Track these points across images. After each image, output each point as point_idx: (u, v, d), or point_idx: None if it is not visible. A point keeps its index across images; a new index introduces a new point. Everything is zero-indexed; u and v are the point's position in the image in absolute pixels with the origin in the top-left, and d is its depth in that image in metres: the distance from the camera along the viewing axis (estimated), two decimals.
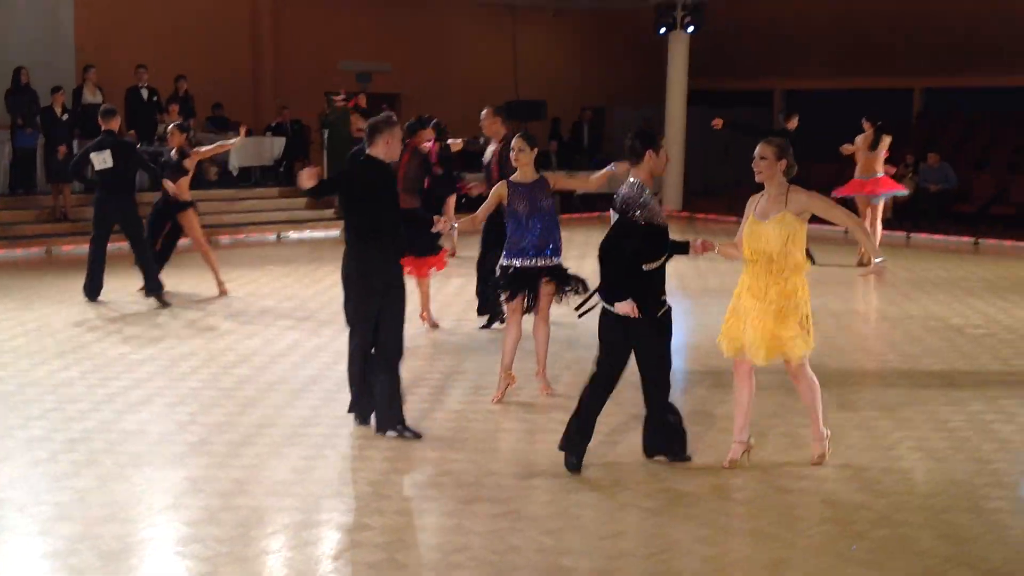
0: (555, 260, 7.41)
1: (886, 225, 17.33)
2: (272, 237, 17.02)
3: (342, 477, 6.09)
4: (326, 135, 19.48)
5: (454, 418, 7.10)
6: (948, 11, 20.41)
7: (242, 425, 6.88)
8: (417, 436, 6.58)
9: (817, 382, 6.12)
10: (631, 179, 5.85)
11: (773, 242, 5.79)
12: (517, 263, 7.33)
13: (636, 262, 5.77)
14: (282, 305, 11.10)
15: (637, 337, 5.88)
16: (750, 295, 5.91)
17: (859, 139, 14.15)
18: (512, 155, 7.49)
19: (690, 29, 20.49)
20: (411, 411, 6.84)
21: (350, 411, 6.80)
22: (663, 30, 20.73)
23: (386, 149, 6.54)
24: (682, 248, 6.02)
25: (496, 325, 9.77)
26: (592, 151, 22.89)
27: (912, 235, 17.25)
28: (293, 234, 17.15)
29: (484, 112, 9.68)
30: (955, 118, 22.27)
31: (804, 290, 5.91)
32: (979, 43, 20.69)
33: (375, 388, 6.61)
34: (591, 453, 6.15)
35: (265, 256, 15.00)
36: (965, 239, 16.76)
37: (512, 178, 7.47)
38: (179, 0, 19.65)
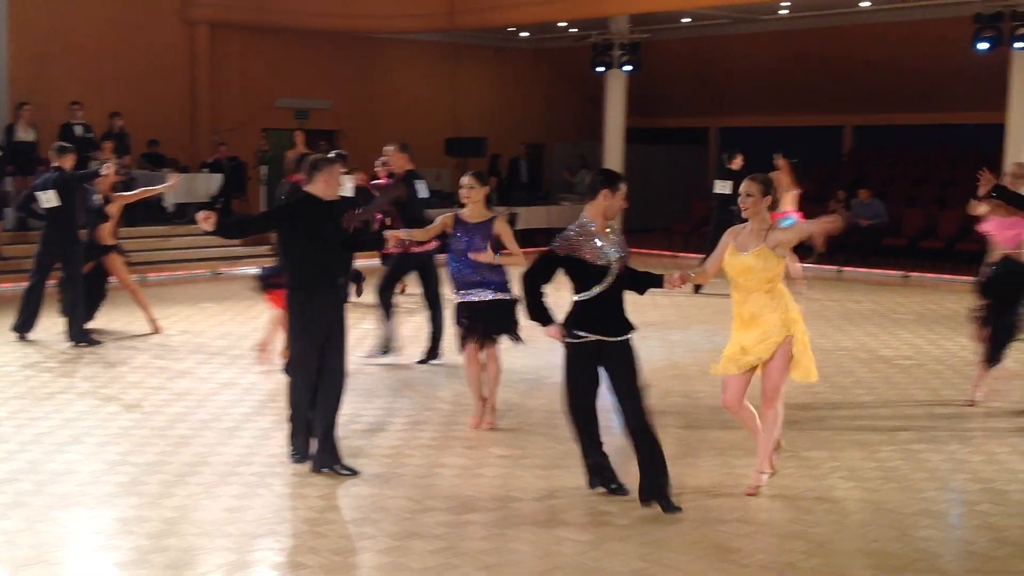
0: (502, 295, 7.44)
1: (820, 259, 17.71)
2: (207, 273, 16.85)
3: (277, 516, 6.01)
4: (264, 171, 19.41)
5: (391, 454, 7.07)
6: (875, 52, 20.92)
7: (174, 464, 6.78)
8: (353, 473, 6.53)
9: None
10: (582, 214, 5.97)
11: (752, 271, 6.01)
12: (467, 298, 7.41)
13: (535, 284, 5.99)
14: (216, 342, 10.97)
15: (608, 362, 5.97)
16: (740, 320, 6.14)
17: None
18: (462, 192, 7.48)
19: (627, 68, 20.77)
20: (347, 448, 6.80)
21: (292, 449, 6.73)
22: (600, 69, 20.98)
23: (325, 187, 6.52)
24: (655, 281, 6.14)
25: (434, 361, 9.79)
26: (532, 187, 23.02)
27: (844, 268, 17.55)
28: (228, 271, 17.00)
29: (390, 148, 9.83)
30: (884, 154, 22.77)
31: (784, 311, 6.06)
32: (906, 82, 21.22)
33: (313, 425, 6.57)
34: (528, 487, 6.14)
35: (199, 293, 14.84)
36: (895, 272, 17.09)
37: (460, 213, 7.48)
38: (114, 36, 19.51)
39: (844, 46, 21.39)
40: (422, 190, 9.89)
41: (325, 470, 6.52)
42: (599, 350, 5.97)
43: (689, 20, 21.64)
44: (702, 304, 13.80)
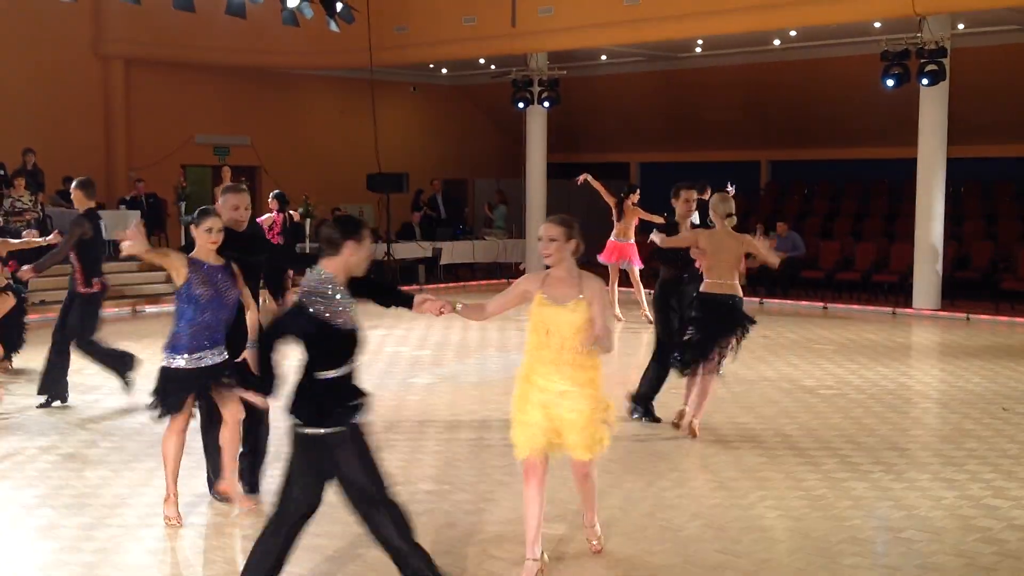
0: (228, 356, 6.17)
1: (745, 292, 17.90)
2: (127, 311, 16.50)
3: (200, 557, 5.86)
4: (183, 207, 19.13)
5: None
6: (788, 89, 21.43)
7: (94, 507, 6.57)
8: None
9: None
10: (319, 269, 4.78)
11: (567, 328, 5.21)
12: (183, 362, 6.00)
13: (269, 343, 4.73)
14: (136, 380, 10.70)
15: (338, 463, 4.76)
16: (544, 380, 5.28)
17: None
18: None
19: (546, 104, 20.96)
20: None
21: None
22: (520, 105, 21.15)
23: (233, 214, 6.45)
24: (405, 300, 5.31)
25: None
26: (453, 221, 23.02)
27: (765, 300, 17.84)
28: (149, 308, 16.67)
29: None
30: (800, 189, 23.27)
31: (600, 370, 5.37)
32: (819, 118, 21.76)
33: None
34: None
35: (120, 331, 14.50)
36: (815, 304, 17.42)
37: (195, 255, 6.04)
38: (26, 71, 19.13)
39: (758, 83, 21.89)
40: (104, 229, 10.00)
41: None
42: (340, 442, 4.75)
43: (606, 58, 21.95)
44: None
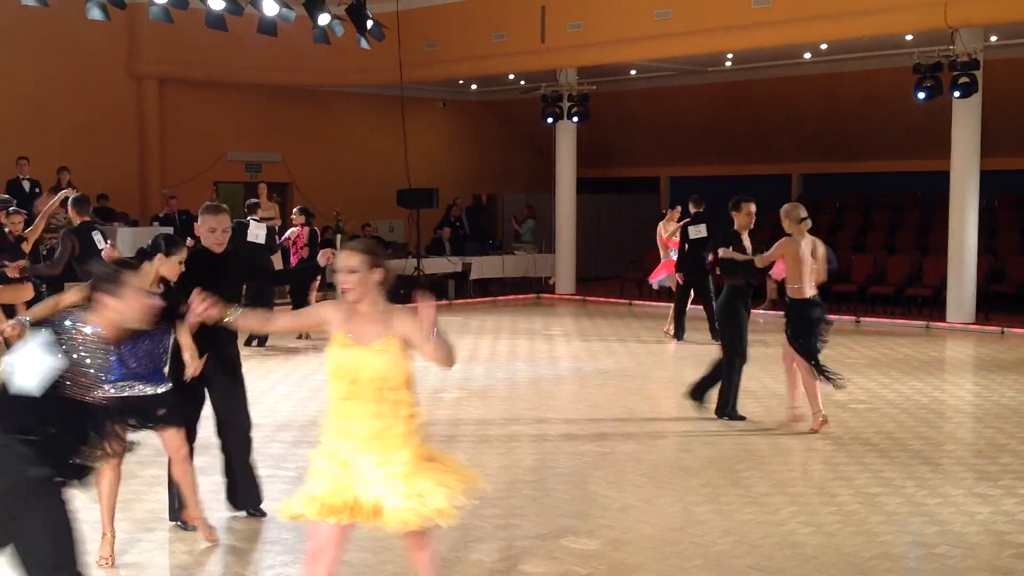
0: (164, 387, 5.85)
1: (772, 306, 17.90)
2: None
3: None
4: None
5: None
6: (819, 103, 21.35)
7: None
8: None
9: None
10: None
11: (378, 371, 4.38)
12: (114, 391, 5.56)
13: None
14: None
15: None
16: (348, 437, 4.37)
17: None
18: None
19: (576, 119, 20.98)
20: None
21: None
22: (550, 120, 21.18)
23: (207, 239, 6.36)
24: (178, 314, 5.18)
25: None
26: (480, 237, 23.04)
27: None
28: None
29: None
30: (832, 202, 23.13)
31: (418, 419, 4.53)
32: (851, 131, 21.65)
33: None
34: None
35: None
36: (847, 318, 17.27)
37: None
38: (61, 91, 19.38)
39: (789, 97, 21.82)
40: (99, 241, 10.04)
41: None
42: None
43: (636, 72, 21.95)
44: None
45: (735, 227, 9.51)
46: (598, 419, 9.74)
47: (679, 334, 14.70)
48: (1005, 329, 15.90)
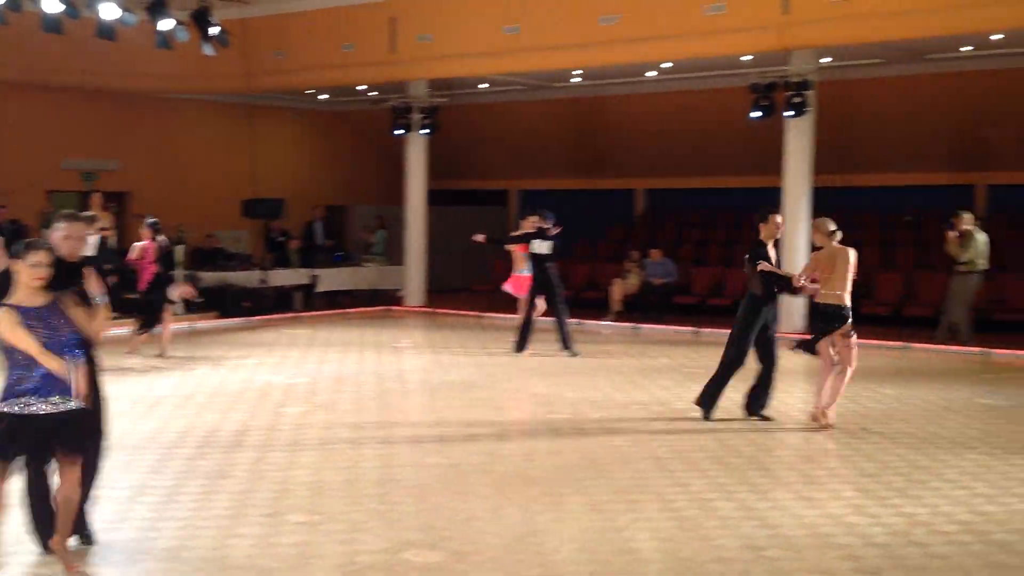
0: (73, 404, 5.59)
1: (618, 317, 18.33)
2: None
3: None
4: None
5: (182, 526, 6.79)
6: (663, 119, 21.95)
7: None
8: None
9: None
10: None
11: None
12: (17, 409, 5.46)
13: None
14: None
15: None
16: None
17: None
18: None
19: (425, 131, 21.02)
20: (138, 520, 6.47)
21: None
22: (400, 132, 21.15)
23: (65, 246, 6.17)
24: None
25: None
26: (332, 249, 22.83)
27: (640, 326, 18.14)
28: None
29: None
30: (673, 216, 23.79)
31: None
32: (692, 148, 22.32)
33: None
34: (328, 553, 5.99)
35: None
36: (687, 329, 17.77)
37: (17, 301, 5.52)
38: None
39: (634, 113, 22.38)
40: None
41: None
42: None
43: (487, 86, 22.14)
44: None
45: (761, 237, 10.03)
46: (445, 431, 9.77)
47: (521, 347, 14.78)
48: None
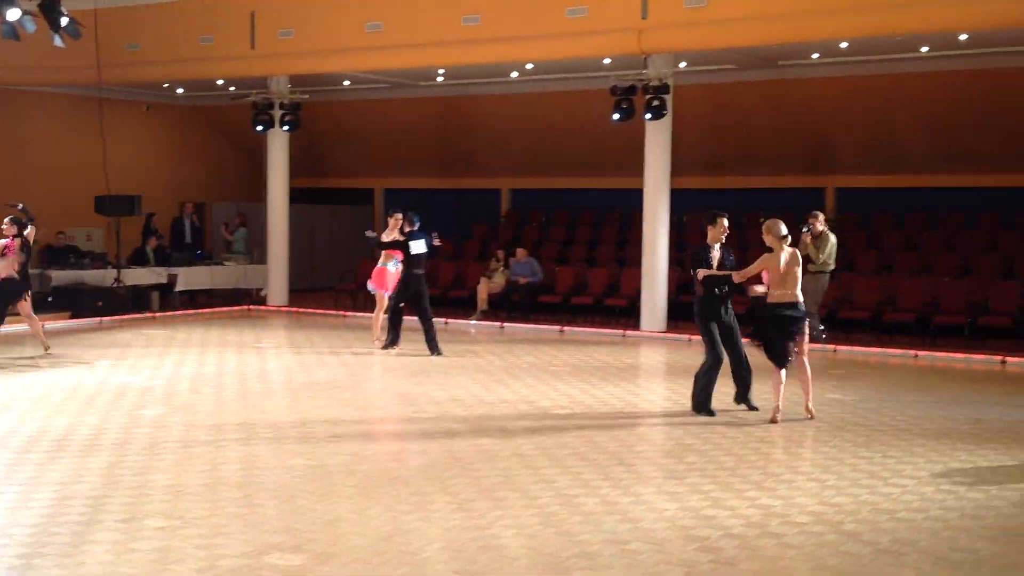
0: None
1: (483, 316, 18.43)
2: None
3: None
4: None
5: (33, 532, 6.53)
6: (527, 120, 22.12)
7: None
8: None
9: None
10: None
11: None
12: None
13: None
14: None
15: None
16: None
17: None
18: None
19: (287, 128, 20.70)
20: None
21: None
22: (260, 128, 20.78)
23: None
24: None
25: None
26: (194, 247, 22.25)
27: (506, 325, 18.26)
28: None
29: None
30: (538, 216, 24.01)
31: None
32: (556, 149, 22.55)
33: None
34: (188, 558, 5.85)
35: None
36: (552, 327, 17.98)
37: None
38: None
39: (498, 114, 22.50)
40: None
41: None
42: None
43: (349, 83, 21.93)
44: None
45: (707, 240, 10.39)
46: (309, 431, 9.64)
47: (394, 341, 14.73)
48: (692, 337, 17.03)
